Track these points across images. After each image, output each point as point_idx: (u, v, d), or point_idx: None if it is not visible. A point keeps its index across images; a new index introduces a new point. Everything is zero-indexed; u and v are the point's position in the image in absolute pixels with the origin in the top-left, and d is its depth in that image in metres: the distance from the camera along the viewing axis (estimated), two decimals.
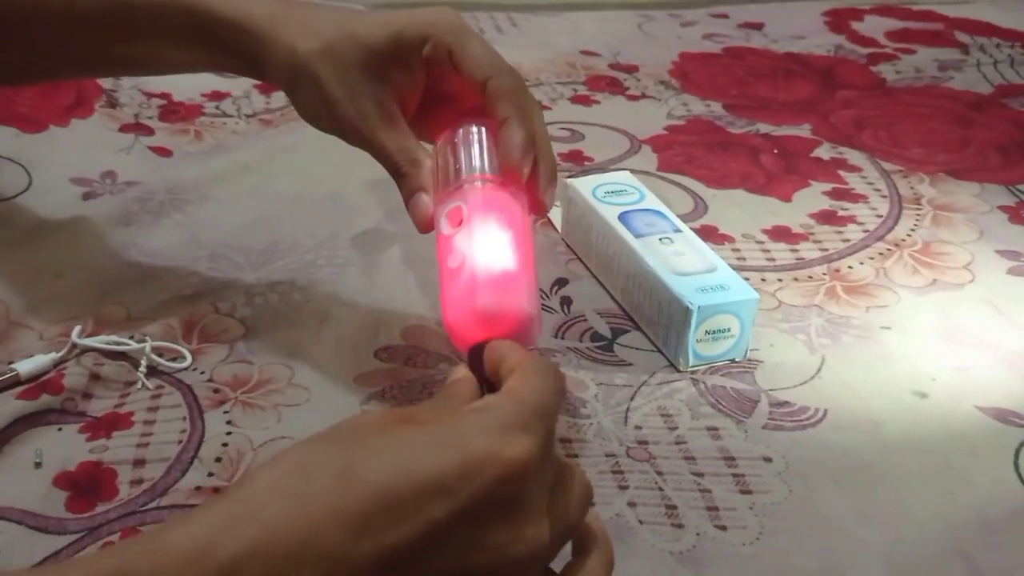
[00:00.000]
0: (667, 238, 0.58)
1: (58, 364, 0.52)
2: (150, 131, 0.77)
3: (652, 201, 0.62)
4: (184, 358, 0.53)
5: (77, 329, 0.53)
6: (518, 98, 0.46)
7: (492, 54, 0.47)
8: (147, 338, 0.53)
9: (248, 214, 0.68)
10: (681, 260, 0.56)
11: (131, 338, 0.53)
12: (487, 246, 0.42)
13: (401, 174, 0.47)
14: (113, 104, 0.80)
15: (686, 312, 0.52)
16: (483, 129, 0.47)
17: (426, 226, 0.47)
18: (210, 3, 0.49)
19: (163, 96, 0.83)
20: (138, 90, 0.83)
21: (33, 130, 0.75)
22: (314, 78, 0.46)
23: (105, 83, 0.83)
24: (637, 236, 0.58)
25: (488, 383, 0.39)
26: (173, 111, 0.81)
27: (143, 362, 0.52)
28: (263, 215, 0.68)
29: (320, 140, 0.79)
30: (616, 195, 0.62)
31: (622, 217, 0.60)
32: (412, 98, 0.49)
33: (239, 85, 0.86)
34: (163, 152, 0.75)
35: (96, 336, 0.53)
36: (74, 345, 0.52)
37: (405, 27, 0.47)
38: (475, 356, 0.40)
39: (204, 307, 0.57)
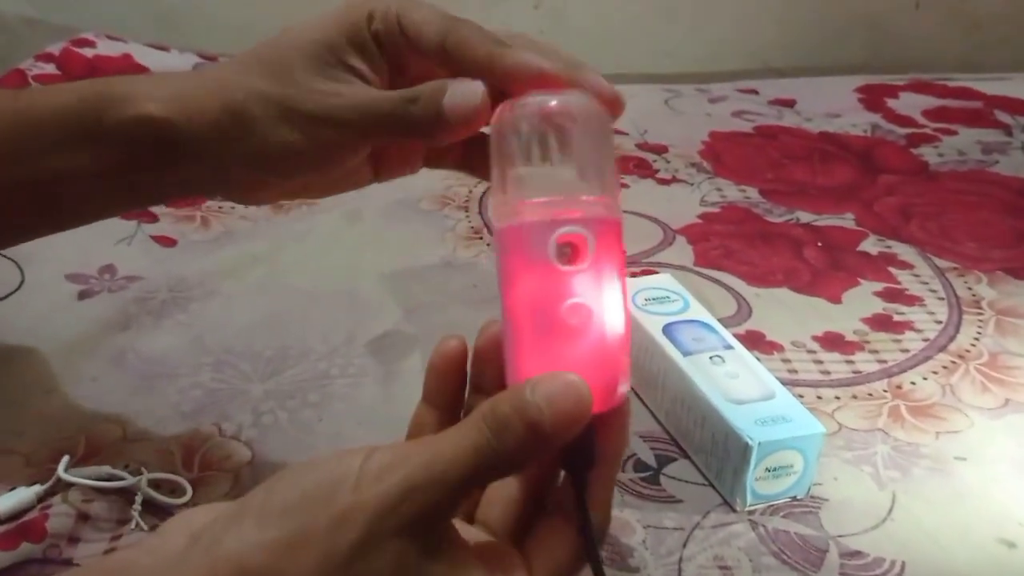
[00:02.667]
0: (718, 356, 0.52)
1: (42, 499, 0.46)
2: (154, 217, 0.73)
3: (697, 310, 0.57)
4: (184, 491, 0.48)
5: (65, 460, 0.47)
6: (492, 36, 0.37)
7: (443, 12, 0.38)
8: (143, 469, 0.48)
9: (257, 313, 0.63)
10: (736, 385, 0.50)
11: (126, 467, 0.48)
12: (619, 309, 0.33)
13: (412, 97, 0.37)
14: None
15: (745, 448, 0.47)
16: (601, 115, 0.35)
17: (478, 117, 0.36)
18: (111, 89, 0.40)
19: None
20: None
21: None
22: (257, 100, 0.38)
23: None
24: (685, 354, 0.52)
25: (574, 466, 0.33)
26: None
27: (138, 498, 0.47)
28: (273, 314, 0.63)
29: (333, 227, 0.75)
30: (658, 303, 0.57)
31: (667, 330, 0.55)
32: (382, 85, 0.40)
33: None
34: (167, 241, 0.70)
35: (86, 467, 0.48)
36: (60, 479, 0.47)
37: (345, 10, 0.39)
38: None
39: (207, 428, 0.52)
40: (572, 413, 0.30)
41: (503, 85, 0.36)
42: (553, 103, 0.34)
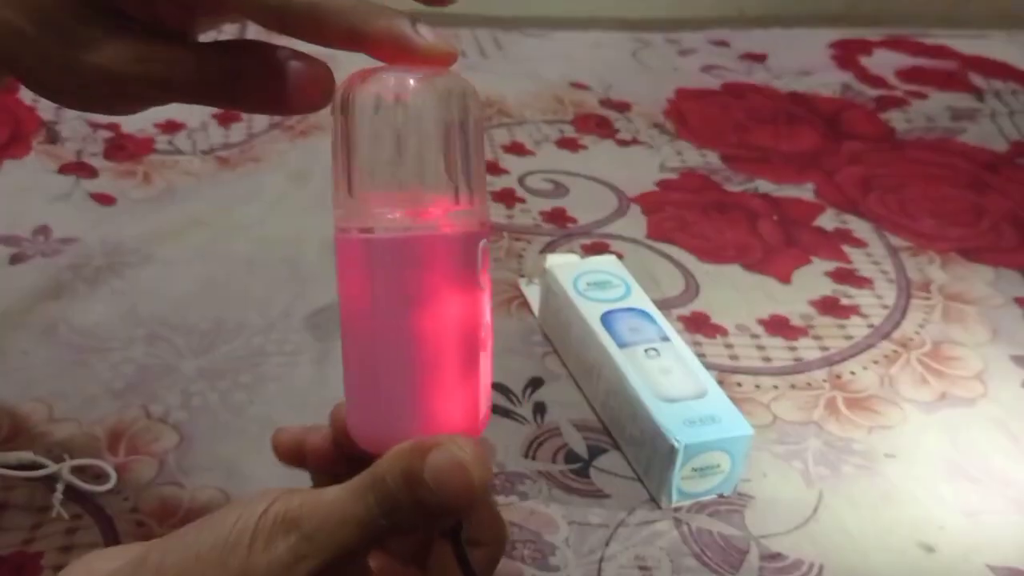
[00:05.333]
0: (653, 349, 0.52)
1: None
2: (93, 172, 0.71)
3: (639, 298, 0.56)
4: (108, 477, 0.47)
5: None
6: None
7: None
8: (66, 456, 0.47)
9: (194, 282, 0.61)
10: (668, 381, 0.50)
11: (49, 453, 0.47)
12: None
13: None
14: (53, 139, 0.73)
15: (671, 450, 0.46)
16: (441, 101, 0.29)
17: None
18: None
19: (110, 128, 0.76)
20: (83, 120, 0.76)
21: None
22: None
23: (46, 114, 0.75)
24: (621, 345, 0.52)
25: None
26: (120, 147, 0.74)
27: (59, 486, 0.46)
28: (211, 283, 0.61)
29: (280, 188, 0.73)
30: (599, 288, 0.56)
31: (605, 319, 0.54)
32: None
33: (195, 115, 0.79)
34: (106, 200, 0.68)
35: (8, 451, 0.47)
36: None
37: None
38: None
39: (135, 410, 0.51)
40: (460, 496, 0.29)
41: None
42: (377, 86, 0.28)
